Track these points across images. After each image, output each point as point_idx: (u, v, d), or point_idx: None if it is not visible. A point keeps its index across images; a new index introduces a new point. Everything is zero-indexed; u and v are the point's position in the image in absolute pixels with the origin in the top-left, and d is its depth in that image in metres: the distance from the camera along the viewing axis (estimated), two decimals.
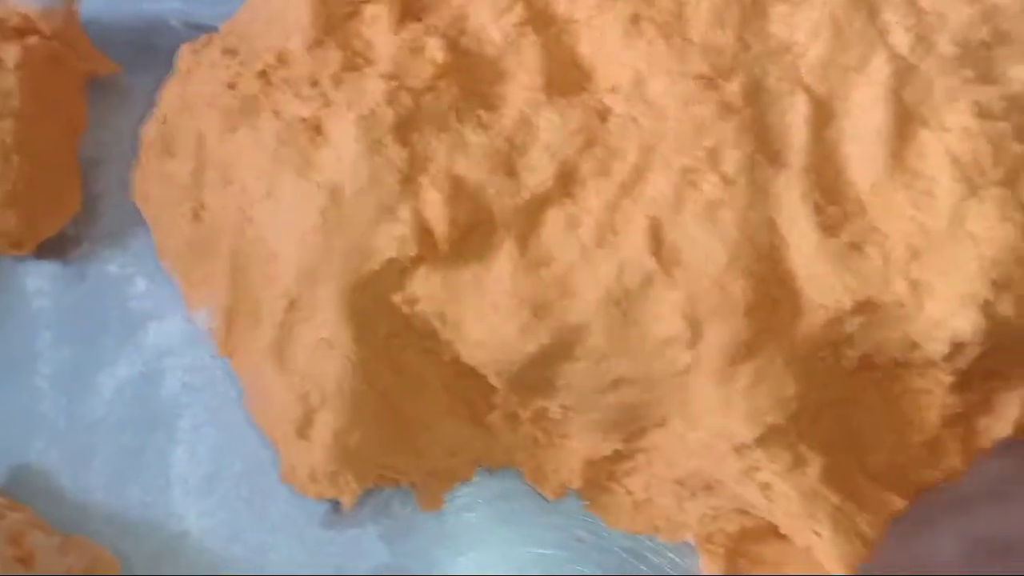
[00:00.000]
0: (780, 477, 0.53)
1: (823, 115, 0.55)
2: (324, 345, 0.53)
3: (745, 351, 0.52)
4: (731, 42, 0.56)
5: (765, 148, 0.54)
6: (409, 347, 0.55)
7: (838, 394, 0.54)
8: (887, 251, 0.52)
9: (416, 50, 0.56)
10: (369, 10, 0.58)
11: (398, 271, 0.53)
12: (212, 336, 0.58)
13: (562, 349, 0.53)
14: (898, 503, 0.53)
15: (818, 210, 0.53)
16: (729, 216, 0.52)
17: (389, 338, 0.54)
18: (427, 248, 0.53)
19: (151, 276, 0.61)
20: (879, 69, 0.55)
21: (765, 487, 0.53)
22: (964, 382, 0.54)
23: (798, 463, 0.52)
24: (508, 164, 0.54)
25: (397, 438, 0.55)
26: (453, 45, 0.56)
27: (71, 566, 0.51)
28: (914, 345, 0.52)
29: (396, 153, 0.53)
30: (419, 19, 0.58)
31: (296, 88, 0.56)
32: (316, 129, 0.55)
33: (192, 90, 0.58)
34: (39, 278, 0.61)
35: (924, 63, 0.55)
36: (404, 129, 0.54)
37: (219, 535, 0.57)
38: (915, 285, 0.51)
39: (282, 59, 0.57)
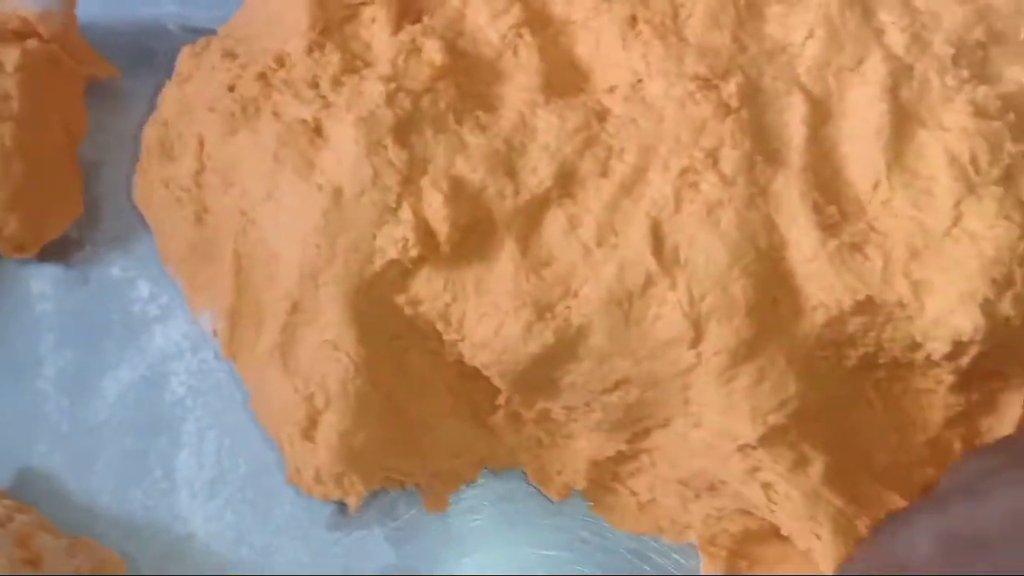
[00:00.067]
0: (782, 478, 0.53)
1: (820, 115, 0.55)
2: (328, 347, 0.53)
3: (747, 351, 0.52)
4: (727, 43, 0.56)
5: (763, 148, 0.54)
6: (412, 348, 0.55)
7: (840, 393, 0.55)
8: (887, 250, 0.52)
9: (414, 52, 0.56)
10: (367, 12, 0.58)
11: (400, 272, 0.54)
12: (216, 338, 0.58)
13: (565, 349, 0.53)
14: (899, 502, 0.54)
15: (817, 209, 0.53)
16: (729, 216, 0.53)
17: (392, 339, 0.55)
18: (429, 249, 0.53)
19: (154, 279, 0.61)
20: (875, 69, 0.55)
21: (768, 487, 0.54)
22: (965, 382, 0.54)
23: (800, 463, 0.53)
24: (507, 165, 0.54)
25: (402, 439, 0.55)
26: (451, 47, 0.56)
27: (78, 567, 0.51)
28: (915, 344, 0.53)
29: (396, 154, 0.53)
30: (416, 21, 0.58)
31: (295, 90, 0.56)
32: (316, 131, 0.55)
33: (192, 93, 0.58)
34: (42, 281, 0.61)
35: (920, 63, 0.55)
36: (403, 130, 0.54)
37: (225, 537, 0.57)
38: (915, 284, 0.52)
39: (281, 61, 0.57)
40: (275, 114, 0.56)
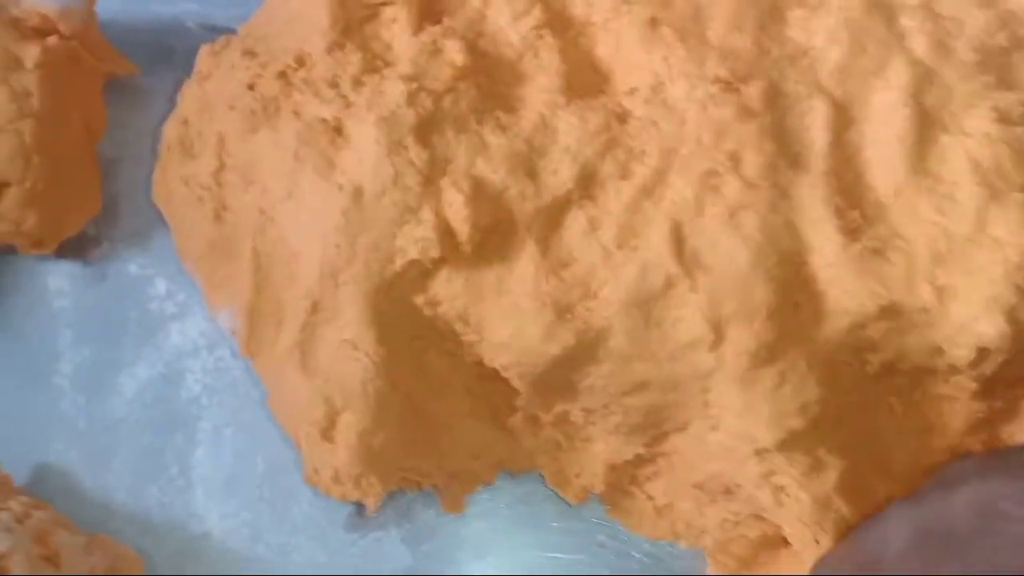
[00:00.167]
0: (796, 482, 0.53)
1: (843, 119, 0.55)
2: (347, 346, 0.53)
3: (767, 354, 0.52)
4: (749, 46, 0.56)
5: (785, 152, 0.54)
6: (431, 349, 0.55)
7: (860, 399, 0.55)
8: (910, 255, 0.52)
9: (435, 52, 0.56)
10: (387, 12, 0.58)
11: (420, 273, 0.53)
12: (234, 337, 0.58)
13: (585, 351, 0.53)
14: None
15: (840, 214, 0.53)
16: (751, 219, 0.52)
17: (411, 340, 0.55)
18: (449, 250, 0.53)
19: (172, 277, 0.61)
20: (898, 74, 0.55)
21: (779, 490, 0.54)
22: (988, 389, 0.54)
23: (816, 468, 0.53)
24: (528, 166, 0.54)
25: (420, 440, 0.55)
26: (472, 47, 0.56)
27: (95, 565, 0.51)
28: (938, 351, 0.53)
29: (417, 155, 0.53)
30: (437, 21, 0.58)
31: (316, 89, 0.56)
32: (337, 130, 0.55)
33: (212, 91, 0.58)
34: (60, 278, 0.61)
35: (943, 68, 0.55)
36: (424, 131, 0.54)
37: (241, 536, 0.57)
38: (939, 290, 0.52)
39: (301, 61, 0.57)
40: (295, 113, 0.55)
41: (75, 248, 0.62)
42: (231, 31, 0.63)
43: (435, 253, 0.52)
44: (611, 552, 0.58)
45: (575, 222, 0.54)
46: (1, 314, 0.60)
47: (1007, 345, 0.51)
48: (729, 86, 0.54)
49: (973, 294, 0.51)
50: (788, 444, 0.53)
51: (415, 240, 0.52)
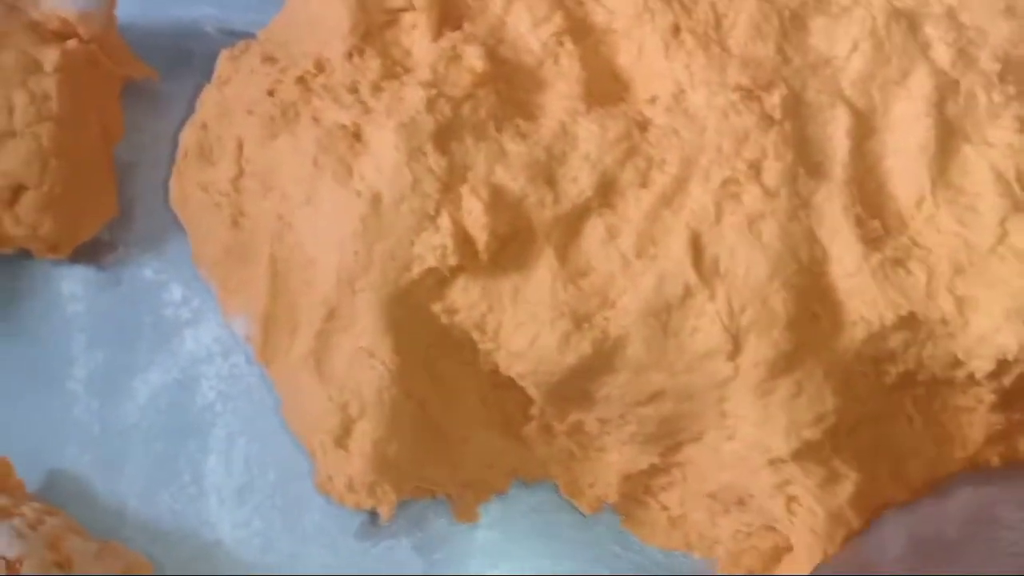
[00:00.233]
0: (810, 493, 0.53)
1: (864, 128, 0.55)
2: (363, 354, 0.53)
3: (785, 364, 0.52)
4: (771, 54, 0.56)
5: (806, 160, 0.54)
6: (446, 357, 0.55)
7: (878, 409, 0.54)
8: (930, 266, 0.52)
9: (455, 58, 0.55)
10: (407, 18, 0.58)
11: (437, 280, 0.53)
12: (249, 343, 0.57)
13: (602, 360, 0.52)
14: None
15: (860, 223, 0.53)
16: (770, 228, 0.52)
17: (427, 348, 0.54)
18: (467, 257, 0.53)
19: (186, 282, 0.61)
20: (921, 84, 0.55)
21: (792, 500, 0.53)
22: (1007, 401, 0.53)
23: (831, 479, 0.53)
24: (547, 173, 0.54)
25: (434, 449, 0.55)
26: (492, 54, 0.56)
27: (107, 571, 0.51)
28: (957, 362, 0.52)
29: (436, 161, 0.53)
30: (457, 27, 0.57)
31: (335, 95, 0.56)
32: (356, 136, 0.55)
33: (231, 96, 0.58)
34: (74, 282, 0.61)
35: (966, 78, 0.55)
36: (443, 137, 0.53)
37: (252, 544, 0.57)
38: (959, 301, 0.51)
39: (321, 66, 0.57)
40: (315, 119, 0.55)
41: (90, 253, 0.61)
42: (250, 35, 0.62)
43: (453, 261, 0.52)
44: (625, 562, 0.57)
45: (594, 230, 0.53)
46: (16, 318, 0.60)
47: None
48: (750, 94, 0.54)
49: (994, 305, 0.51)
50: (803, 454, 0.52)
51: (433, 247, 0.52)
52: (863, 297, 0.52)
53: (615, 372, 0.53)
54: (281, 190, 0.55)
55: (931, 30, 0.56)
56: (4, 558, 0.49)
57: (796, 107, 0.54)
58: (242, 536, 0.57)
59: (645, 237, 0.53)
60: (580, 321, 0.52)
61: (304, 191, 0.54)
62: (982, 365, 0.51)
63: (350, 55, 0.56)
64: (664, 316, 0.52)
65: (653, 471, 0.56)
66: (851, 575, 0.51)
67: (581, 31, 0.58)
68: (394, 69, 0.56)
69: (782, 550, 0.56)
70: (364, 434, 0.53)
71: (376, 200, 0.53)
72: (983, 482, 0.52)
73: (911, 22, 0.56)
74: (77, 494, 0.57)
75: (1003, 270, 0.51)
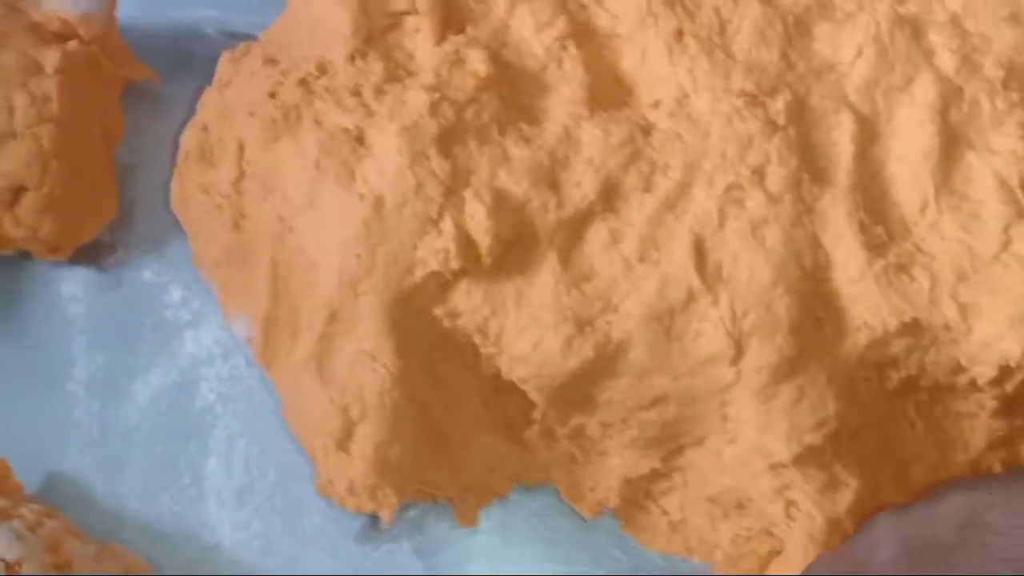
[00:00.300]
0: (810, 498, 0.53)
1: (868, 134, 0.55)
2: (365, 357, 0.52)
3: (788, 369, 0.52)
4: (775, 60, 0.56)
5: (810, 166, 0.54)
6: (448, 361, 0.55)
7: (880, 414, 0.54)
8: (934, 272, 0.52)
9: (458, 62, 0.55)
10: (410, 22, 0.58)
11: (440, 284, 0.53)
12: (250, 345, 0.57)
13: (604, 364, 0.52)
14: None
15: (864, 229, 0.53)
16: (774, 234, 0.52)
17: (429, 352, 0.54)
18: (469, 261, 0.52)
19: (187, 284, 0.61)
20: (924, 90, 0.55)
21: (790, 505, 0.53)
22: (1008, 407, 0.54)
23: (831, 486, 0.53)
24: (551, 178, 0.54)
25: (435, 453, 0.55)
26: (495, 58, 0.56)
27: (107, 573, 0.50)
28: (960, 368, 0.52)
29: (439, 165, 0.53)
30: (460, 31, 0.57)
31: (338, 98, 0.55)
32: (358, 140, 0.54)
33: (233, 99, 0.58)
34: (74, 284, 0.61)
35: (970, 85, 0.55)
36: (447, 141, 0.53)
37: (252, 547, 0.56)
38: (963, 307, 0.52)
39: (323, 69, 0.57)
40: (317, 122, 0.55)
41: (90, 254, 0.61)
42: (250, 37, 0.62)
43: (455, 264, 0.52)
44: (625, 566, 0.57)
45: (597, 235, 0.53)
46: (16, 320, 0.60)
47: None
48: (754, 100, 0.54)
49: (997, 312, 0.51)
50: (804, 459, 0.52)
51: (435, 251, 0.52)
52: (866, 303, 0.52)
53: (617, 376, 0.53)
54: (282, 192, 0.55)
55: (935, 37, 0.56)
56: (3, 560, 0.49)
57: (800, 113, 0.54)
58: (242, 538, 0.57)
59: (648, 241, 0.53)
60: (583, 325, 0.52)
61: (306, 194, 0.54)
62: (985, 371, 0.52)
63: (352, 58, 0.56)
64: (667, 320, 0.52)
65: (654, 475, 0.56)
66: (842, 575, 0.51)
67: (584, 35, 0.57)
68: (397, 72, 0.56)
69: (779, 555, 0.56)
70: (365, 437, 0.52)
71: (379, 203, 0.52)
72: (975, 487, 0.52)
73: (915, 28, 0.56)
74: (77, 496, 0.57)
75: (1006, 277, 0.51)
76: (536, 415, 0.56)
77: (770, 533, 0.55)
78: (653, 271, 0.52)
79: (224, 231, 0.57)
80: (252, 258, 0.57)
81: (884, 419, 0.55)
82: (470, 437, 0.56)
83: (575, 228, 0.53)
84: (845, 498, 0.53)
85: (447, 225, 0.52)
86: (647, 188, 0.54)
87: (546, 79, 0.56)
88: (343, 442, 0.53)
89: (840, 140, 0.54)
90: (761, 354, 0.51)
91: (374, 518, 0.56)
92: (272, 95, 0.57)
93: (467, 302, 0.53)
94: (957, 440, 0.55)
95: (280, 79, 0.57)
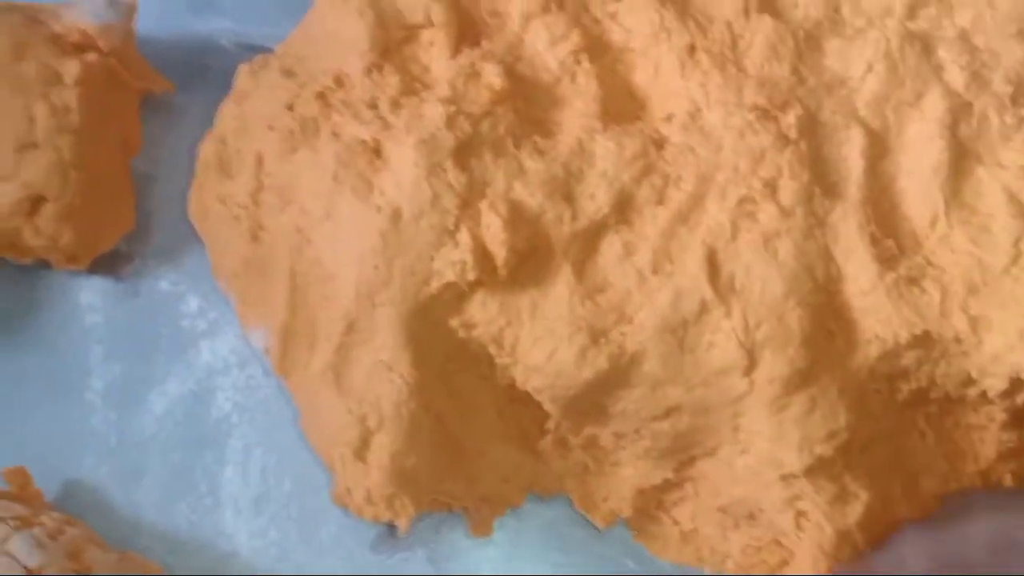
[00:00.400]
0: (820, 509, 0.53)
1: (878, 149, 0.55)
2: (382, 368, 0.53)
3: (800, 380, 0.52)
4: (786, 75, 0.56)
5: (821, 180, 0.54)
6: (464, 372, 0.55)
7: (890, 427, 0.55)
8: (944, 285, 0.53)
9: (473, 76, 0.56)
10: (425, 35, 0.58)
11: (456, 295, 0.54)
12: (267, 356, 0.58)
13: (618, 375, 0.53)
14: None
15: (875, 242, 0.53)
16: (786, 246, 0.53)
17: (445, 362, 0.55)
18: (485, 273, 0.53)
19: (203, 294, 0.61)
20: (934, 105, 0.55)
21: (801, 515, 0.54)
22: (1018, 419, 0.54)
23: (841, 498, 0.53)
24: (565, 190, 0.54)
25: (451, 463, 0.55)
26: (509, 71, 0.56)
27: None
28: (970, 380, 0.53)
29: (455, 177, 0.53)
30: (475, 45, 0.58)
31: (355, 111, 0.56)
32: (375, 152, 0.55)
33: (250, 111, 0.59)
34: (92, 293, 0.61)
35: (979, 100, 0.56)
36: (463, 154, 0.54)
37: (268, 555, 0.57)
38: (973, 320, 0.52)
39: (340, 81, 0.57)
40: (334, 134, 0.56)
41: (107, 264, 0.62)
42: (266, 49, 0.63)
43: (472, 276, 0.53)
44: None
45: (611, 247, 0.54)
46: (33, 329, 0.61)
47: None
48: (766, 114, 0.55)
49: (1008, 325, 0.52)
50: (815, 470, 0.53)
51: (452, 263, 0.53)
52: (877, 315, 0.53)
53: (631, 387, 0.53)
54: (300, 204, 0.56)
55: (944, 53, 0.57)
56: (25, 567, 0.49)
57: (811, 127, 0.55)
58: (258, 546, 0.57)
59: (661, 254, 0.53)
60: (597, 336, 0.53)
61: (324, 206, 0.55)
62: (995, 383, 0.52)
63: (369, 71, 0.57)
64: (680, 332, 0.53)
65: (666, 486, 0.57)
66: None
67: (598, 49, 0.58)
68: (413, 85, 0.57)
69: (789, 565, 0.56)
70: (382, 447, 0.53)
71: (396, 215, 0.53)
72: (1005, 508, 0.52)
73: (925, 44, 0.57)
74: (94, 504, 0.57)
75: (1017, 290, 0.52)
76: (550, 425, 0.56)
77: (780, 544, 0.56)
78: (666, 283, 0.53)
79: (242, 242, 0.58)
80: (270, 269, 0.57)
81: (894, 431, 0.55)
82: (485, 447, 0.56)
83: (589, 240, 0.54)
84: (855, 510, 0.53)
85: (463, 237, 0.53)
86: (660, 201, 0.54)
87: (560, 93, 0.57)
88: (360, 452, 0.53)
89: (851, 154, 0.55)
90: (773, 365, 0.52)
91: (390, 527, 0.56)
92: (290, 107, 0.57)
93: (483, 313, 0.54)
94: (967, 451, 0.56)
95: (298, 91, 0.58)
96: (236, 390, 0.60)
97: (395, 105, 0.56)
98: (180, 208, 0.62)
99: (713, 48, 0.57)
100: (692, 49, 0.57)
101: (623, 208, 0.54)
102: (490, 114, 0.55)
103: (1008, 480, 0.55)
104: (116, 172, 0.62)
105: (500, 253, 0.52)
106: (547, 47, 0.57)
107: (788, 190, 0.53)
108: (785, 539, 0.55)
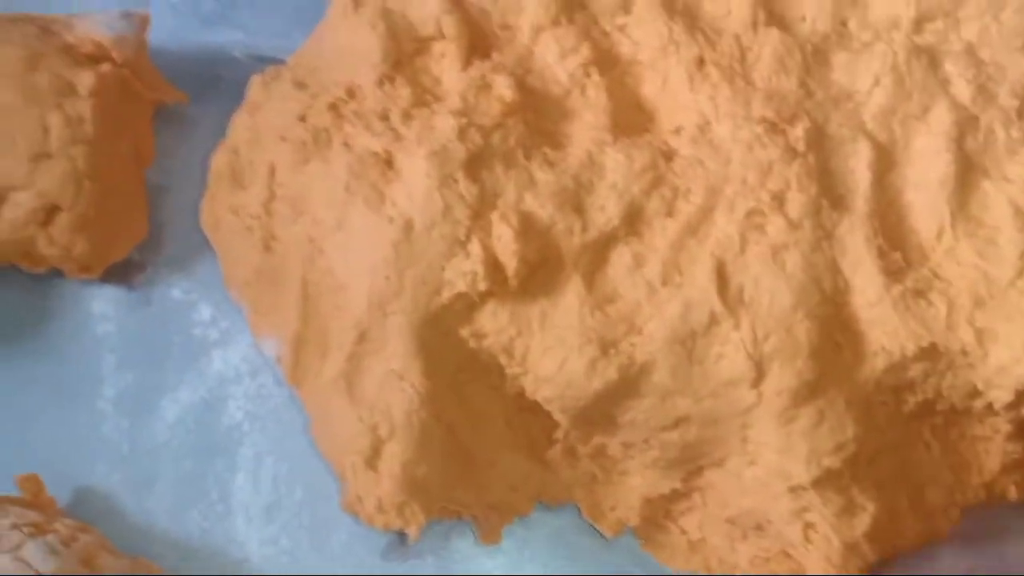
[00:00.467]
0: (828, 522, 0.54)
1: (885, 162, 0.56)
2: (394, 377, 0.53)
3: (808, 392, 0.53)
4: (794, 88, 0.57)
5: (829, 193, 0.55)
6: (474, 381, 0.56)
7: (896, 438, 0.55)
8: (951, 298, 0.53)
9: (484, 88, 0.56)
10: (436, 47, 0.59)
11: (467, 305, 0.54)
12: (279, 365, 0.58)
13: (628, 386, 0.53)
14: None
15: (882, 255, 0.54)
16: (794, 259, 0.53)
17: (455, 372, 0.55)
18: (496, 283, 0.53)
19: (215, 303, 0.62)
20: (941, 119, 0.56)
21: (809, 527, 0.54)
22: (1023, 430, 0.54)
23: (849, 511, 0.54)
24: (575, 202, 0.55)
25: (461, 471, 0.55)
26: (520, 84, 0.57)
27: None
28: (975, 392, 0.53)
29: (467, 189, 0.54)
30: (485, 57, 0.58)
31: (367, 122, 0.57)
32: (387, 163, 0.55)
33: (263, 122, 0.59)
34: (104, 302, 0.62)
35: (985, 114, 0.56)
36: (474, 165, 0.54)
37: (279, 563, 0.57)
38: (979, 332, 0.52)
39: (352, 93, 0.58)
40: (346, 145, 0.56)
41: (120, 273, 0.62)
42: (276, 60, 0.63)
43: (483, 286, 0.53)
44: None
45: (620, 258, 0.54)
46: (46, 338, 0.61)
47: None
48: (774, 127, 0.55)
49: (1014, 337, 0.52)
50: (823, 482, 0.53)
51: (463, 273, 0.53)
52: (884, 328, 0.53)
53: (640, 397, 0.54)
54: (312, 215, 0.56)
55: (951, 66, 0.57)
56: (39, 573, 0.50)
57: (819, 140, 0.55)
58: (269, 554, 0.57)
59: (671, 265, 0.54)
60: (607, 347, 0.53)
61: (336, 216, 0.55)
62: (1001, 396, 0.53)
63: (381, 82, 0.57)
64: (689, 343, 0.53)
65: (674, 495, 0.57)
66: None
67: (607, 62, 0.59)
68: (424, 97, 0.57)
69: None
70: (394, 456, 0.53)
71: (408, 226, 0.54)
72: None
73: (931, 58, 0.57)
74: (106, 511, 0.58)
75: (1023, 303, 0.52)
76: (559, 434, 0.57)
77: (788, 555, 0.56)
78: (676, 294, 0.53)
79: (254, 252, 0.58)
80: (282, 279, 0.58)
81: (901, 442, 0.55)
82: (494, 456, 0.57)
83: (599, 251, 0.54)
84: (863, 522, 0.54)
85: (475, 248, 0.53)
86: (669, 213, 0.55)
87: (570, 105, 0.58)
88: (372, 460, 0.54)
89: (858, 167, 0.55)
90: (782, 377, 0.52)
91: (399, 535, 0.57)
92: (302, 118, 0.58)
93: (493, 323, 0.54)
94: (972, 463, 0.56)
95: (310, 103, 0.58)
96: (247, 398, 0.60)
97: (407, 117, 0.56)
98: (192, 218, 0.62)
99: (722, 61, 0.57)
100: (701, 62, 0.57)
101: (633, 220, 0.55)
102: (501, 126, 0.55)
103: (1013, 492, 0.56)
104: (129, 182, 0.62)
105: (511, 264, 0.53)
106: (557, 60, 0.58)
107: (796, 203, 0.54)
108: (793, 551, 0.55)
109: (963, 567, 0.51)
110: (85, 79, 0.59)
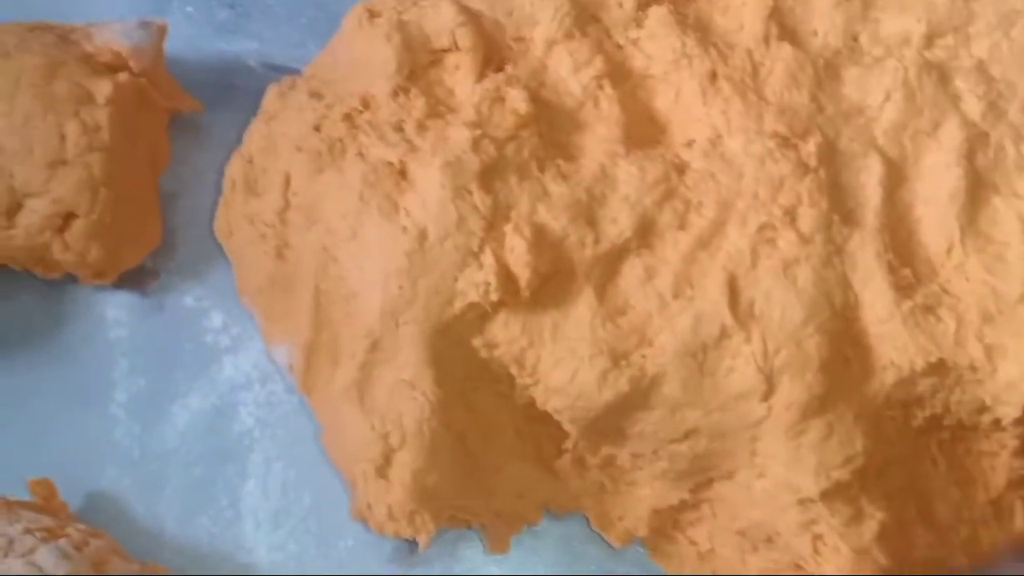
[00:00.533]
0: (836, 532, 0.54)
1: (896, 177, 0.56)
2: (405, 386, 0.54)
3: (817, 406, 0.53)
4: (806, 103, 0.57)
5: (840, 208, 0.55)
6: (483, 390, 0.56)
7: (904, 453, 0.55)
8: (960, 313, 0.53)
9: (498, 100, 0.57)
10: (451, 59, 0.59)
11: (479, 315, 0.54)
12: (291, 372, 0.58)
13: (638, 398, 0.54)
14: (960, 559, 0.54)
15: (892, 270, 0.54)
16: (805, 273, 0.54)
17: (466, 381, 0.55)
18: (509, 294, 0.54)
19: (227, 310, 0.62)
20: (951, 135, 0.56)
21: (818, 539, 0.54)
22: None
23: (857, 519, 0.54)
24: (588, 214, 0.55)
25: (471, 480, 0.56)
26: (533, 96, 0.57)
27: None
28: (983, 408, 0.54)
29: (480, 200, 0.54)
30: (499, 69, 0.59)
31: (381, 132, 0.57)
32: (401, 173, 0.56)
33: (278, 131, 0.60)
34: (117, 308, 0.62)
35: (995, 131, 0.57)
36: (488, 177, 0.55)
37: (287, 569, 0.57)
38: (988, 348, 0.53)
39: (366, 103, 0.58)
40: (361, 155, 0.57)
41: (133, 279, 0.62)
42: (290, 70, 0.64)
43: (495, 297, 0.53)
44: None
45: (632, 270, 0.55)
46: (59, 342, 0.61)
47: None
48: (786, 142, 0.56)
49: (1022, 353, 0.53)
50: (831, 495, 0.53)
51: (476, 284, 0.53)
52: (894, 343, 0.53)
53: (650, 409, 0.54)
54: (326, 224, 0.57)
55: (962, 83, 0.58)
56: None
57: (830, 155, 0.56)
58: (277, 560, 0.58)
59: (682, 278, 0.54)
60: (618, 359, 0.53)
61: (349, 225, 0.56)
62: (1009, 411, 0.53)
63: (395, 93, 0.58)
64: (700, 356, 0.53)
65: (683, 507, 0.57)
66: None
67: (620, 75, 0.59)
68: (438, 108, 0.58)
69: None
70: (404, 464, 0.54)
71: (422, 236, 0.54)
72: None
73: (942, 74, 0.58)
74: (117, 516, 0.58)
75: None
76: (568, 445, 0.57)
77: (798, 567, 0.56)
78: (687, 307, 0.54)
79: (268, 260, 0.59)
80: (295, 287, 0.58)
81: (909, 457, 0.56)
82: (503, 464, 0.57)
83: (611, 263, 0.55)
84: (870, 529, 0.53)
85: (488, 258, 0.53)
86: (681, 226, 0.55)
87: (583, 117, 0.58)
88: (382, 469, 0.54)
89: (869, 182, 0.56)
90: (791, 391, 0.53)
91: (408, 543, 0.57)
92: (317, 128, 0.58)
93: (505, 333, 0.54)
94: (978, 478, 0.56)
95: (325, 112, 0.59)
96: (258, 405, 0.60)
97: (421, 127, 0.57)
98: (206, 225, 0.63)
99: (734, 75, 0.58)
100: (713, 76, 0.58)
101: (645, 232, 0.55)
102: (515, 138, 0.56)
103: (1019, 508, 0.56)
104: (144, 189, 0.63)
105: (524, 275, 0.53)
106: (570, 72, 0.58)
107: (807, 217, 0.54)
108: (803, 563, 0.55)
109: None
110: (103, 88, 0.60)
